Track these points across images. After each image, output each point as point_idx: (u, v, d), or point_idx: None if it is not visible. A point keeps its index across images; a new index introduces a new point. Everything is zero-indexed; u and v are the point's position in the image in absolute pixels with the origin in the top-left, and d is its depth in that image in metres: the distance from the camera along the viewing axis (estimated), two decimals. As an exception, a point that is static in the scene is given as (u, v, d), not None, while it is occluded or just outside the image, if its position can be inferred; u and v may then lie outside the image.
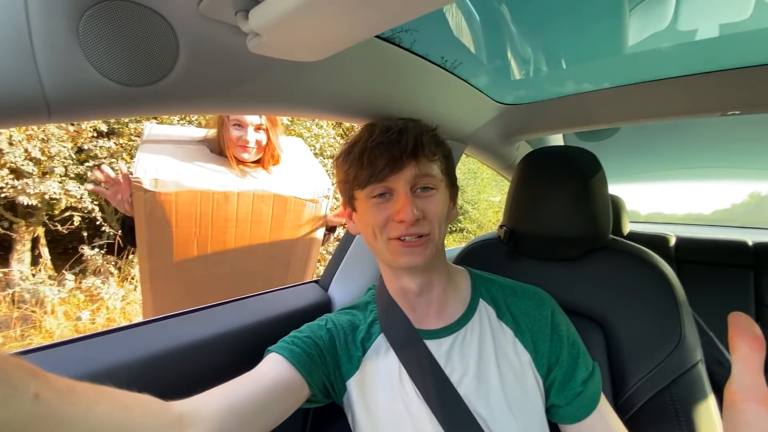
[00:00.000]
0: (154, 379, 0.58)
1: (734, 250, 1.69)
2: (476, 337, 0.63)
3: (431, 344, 0.62)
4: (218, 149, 1.19)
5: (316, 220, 1.26)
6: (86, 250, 3.14)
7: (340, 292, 0.95)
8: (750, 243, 1.68)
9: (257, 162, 1.23)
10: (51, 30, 0.35)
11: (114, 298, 3.03)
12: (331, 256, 1.03)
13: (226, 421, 0.46)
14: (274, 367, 0.56)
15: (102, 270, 3.19)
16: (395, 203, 0.58)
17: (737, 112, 0.86)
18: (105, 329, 0.63)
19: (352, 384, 0.62)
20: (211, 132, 1.22)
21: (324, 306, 0.92)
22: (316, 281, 1.01)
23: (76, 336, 0.59)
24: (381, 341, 0.65)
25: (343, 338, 0.64)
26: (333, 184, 1.26)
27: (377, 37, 0.61)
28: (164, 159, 1.08)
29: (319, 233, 1.29)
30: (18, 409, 0.27)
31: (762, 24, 0.70)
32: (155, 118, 2.64)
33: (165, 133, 1.20)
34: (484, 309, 0.66)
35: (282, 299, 0.87)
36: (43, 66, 0.36)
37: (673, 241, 1.82)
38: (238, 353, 0.70)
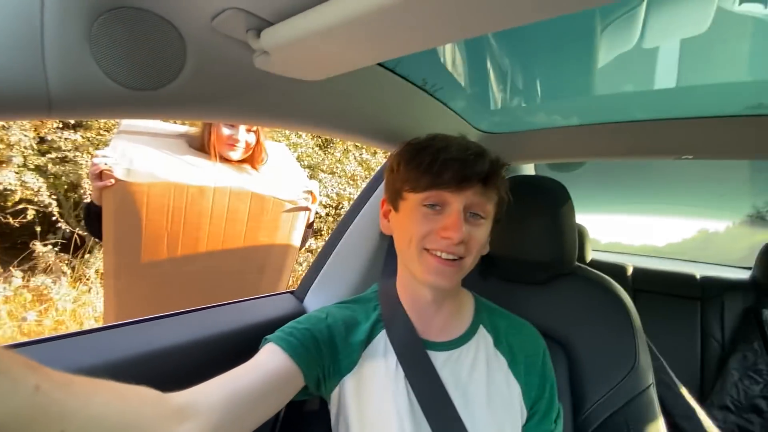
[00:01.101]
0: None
1: (684, 282, 1.82)
2: (470, 360, 0.64)
3: (429, 355, 0.64)
4: (199, 145, 1.18)
5: (294, 223, 1.24)
6: (38, 246, 2.95)
7: (317, 305, 0.95)
8: (698, 276, 1.82)
9: (243, 161, 1.23)
10: (64, 29, 0.36)
11: (65, 299, 2.85)
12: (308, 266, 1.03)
13: (225, 411, 0.46)
14: (271, 358, 0.56)
15: (54, 268, 3.00)
16: (446, 218, 0.58)
17: (690, 157, 0.94)
18: (72, 331, 0.61)
19: (348, 381, 0.62)
20: (193, 129, 1.21)
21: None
22: (291, 292, 1.01)
23: (55, 334, 0.57)
24: (382, 340, 0.65)
25: (343, 334, 0.64)
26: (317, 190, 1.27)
27: (373, 61, 0.64)
28: (139, 149, 1.05)
29: (297, 240, 1.28)
30: (20, 400, 0.27)
31: (715, 79, 0.78)
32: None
33: (143, 125, 1.17)
34: (483, 335, 0.68)
35: (255, 309, 0.86)
36: (51, 62, 0.36)
37: (630, 271, 1.94)
38: (209, 360, 0.69)
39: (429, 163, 0.58)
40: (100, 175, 0.97)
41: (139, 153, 1.03)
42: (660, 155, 0.99)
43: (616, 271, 1.92)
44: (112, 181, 0.97)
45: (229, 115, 0.54)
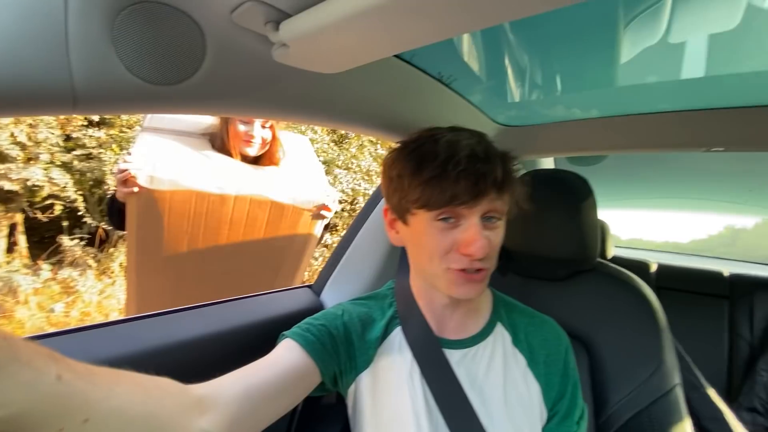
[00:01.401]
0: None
1: (711, 279, 1.75)
2: (486, 358, 0.63)
3: (445, 353, 0.63)
4: (220, 143, 1.19)
5: (311, 229, 1.26)
6: (65, 240, 3.05)
7: (333, 299, 0.95)
8: (726, 274, 1.76)
9: (259, 160, 1.24)
10: (87, 25, 0.36)
11: (90, 292, 2.95)
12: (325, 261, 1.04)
13: (243, 405, 0.46)
14: (288, 354, 0.56)
15: (80, 262, 3.11)
16: (463, 232, 0.54)
17: (720, 149, 0.91)
18: (92, 323, 0.63)
19: (364, 377, 0.63)
20: (214, 121, 1.22)
21: (315, 312, 0.92)
22: (308, 286, 1.02)
23: (78, 326, 0.59)
24: (397, 337, 0.65)
25: (360, 330, 0.64)
26: (339, 195, 1.27)
27: (391, 54, 0.63)
28: (162, 152, 1.07)
29: (313, 243, 1.29)
30: (44, 389, 0.28)
31: (745, 68, 0.75)
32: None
33: (167, 120, 1.18)
34: (501, 332, 0.66)
35: (273, 302, 0.87)
36: (75, 59, 0.37)
37: (654, 268, 1.88)
38: (228, 353, 0.70)
39: (439, 178, 0.52)
40: (125, 182, 1.00)
41: (162, 157, 1.05)
42: (687, 148, 0.95)
43: (640, 267, 1.87)
44: (137, 189, 1.00)
45: (248, 109, 0.54)
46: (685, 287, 1.77)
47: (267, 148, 1.23)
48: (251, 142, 1.18)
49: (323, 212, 1.24)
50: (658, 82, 0.84)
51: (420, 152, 0.56)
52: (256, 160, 1.24)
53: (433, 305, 0.65)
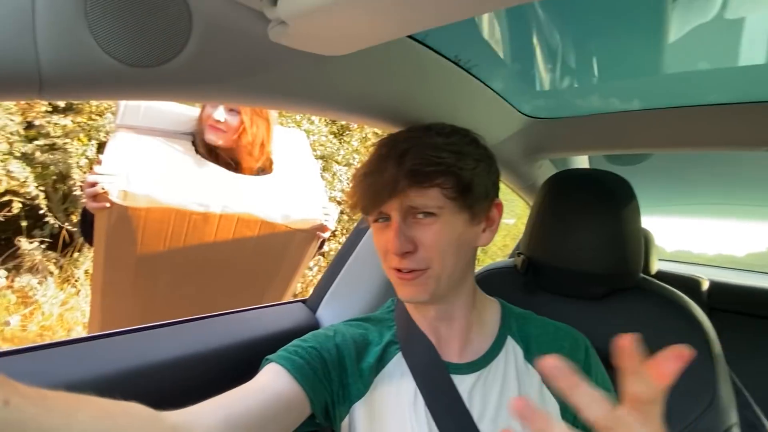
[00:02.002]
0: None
1: None
2: (499, 378, 0.64)
3: (453, 379, 0.63)
4: (198, 139, 1.19)
5: (305, 250, 1.25)
6: (23, 242, 3.08)
7: (331, 317, 0.95)
8: None
9: (233, 161, 1.22)
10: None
11: (51, 302, 2.97)
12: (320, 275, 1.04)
13: None
14: (274, 380, 0.56)
15: (40, 268, 3.13)
16: (389, 231, 0.61)
17: (785, 149, 0.90)
18: (50, 342, 0.63)
19: (359, 408, 0.63)
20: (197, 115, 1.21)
21: (310, 330, 0.92)
22: (302, 301, 1.02)
23: (34, 345, 0.59)
24: (397, 364, 0.66)
25: (354, 355, 0.65)
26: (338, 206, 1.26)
27: (405, 34, 0.63)
28: (138, 163, 1.05)
29: (305, 264, 1.29)
30: None
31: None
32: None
33: (144, 111, 1.16)
34: (512, 348, 0.67)
35: (263, 319, 0.87)
36: (42, 36, 0.37)
37: (705, 286, 1.87)
38: (211, 376, 0.71)
39: (359, 181, 0.64)
40: (95, 197, 0.99)
41: (138, 167, 1.04)
42: (744, 146, 0.94)
43: (689, 285, 1.86)
44: (107, 204, 0.99)
45: (239, 96, 0.54)
46: (743, 308, 1.75)
47: (236, 136, 1.20)
48: (217, 127, 1.16)
49: (319, 233, 1.23)
50: (710, 70, 0.84)
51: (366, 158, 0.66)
52: (234, 158, 1.22)
53: (428, 321, 0.67)
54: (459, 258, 0.62)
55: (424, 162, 0.59)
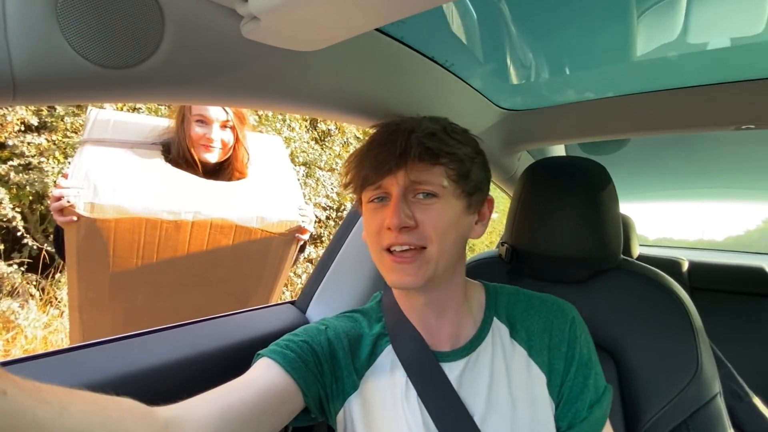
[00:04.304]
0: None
1: (751, 277, 1.78)
2: (488, 360, 0.65)
3: (443, 368, 0.64)
4: (176, 152, 1.18)
5: (284, 254, 1.24)
6: (2, 266, 3.00)
7: (320, 316, 0.95)
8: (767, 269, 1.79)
9: (223, 167, 1.23)
10: (28, 1, 0.36)
11: (34, 326, 2.89)
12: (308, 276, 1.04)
13: (217, 428, 0.47)
14: (266, 373, 0.56)
15: (21, 291, 3.06)
16: (388, 208, 0.61)
17: (752, 126, 0.93)
18: (37, 353, 0.63)
19: (353, 401, 0.63)
20: (170, 123, 1.20)
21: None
22: (291, 302, 1.02)
23: (21, 356, 0.58)
24: (388, 356, 0.66)
25: (347, 348, 0.65)
26: (310, 203, 1.26)
27: (377, 30, 0.64)
28: (106, 170, 1.04)
29: (287, 269, 1.28)
30: None
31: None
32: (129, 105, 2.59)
33: (113, 124, 1.15)
34: (497, 328, 0.68)
35: (252, 322, 0.87)
36: (14, 40, 0.37)
37: (686, 266, 1.91)
38: (200, 380, 0.69)
39: (357, 159, 0.64)
40: (61, 211, 0.97)
41: (105, 178, 1.02)
42: (715, 126, 0.98)
43: (670, 266, 1.90)
44: (75, 218, 0.98)
45: (213, 95, 0.54)
46: (723, 286, 1.80)
47: (230, 153, 1.22)
48: (210, 146, 1.17)
49: (298, 235, 1.23)
50: (680, 54, 0.86)
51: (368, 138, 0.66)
52: (218, 169, 1.22)
53: (417, 311, 0.67)
54: (455, 243, 0.63)
55: (434, 139, 0.61)
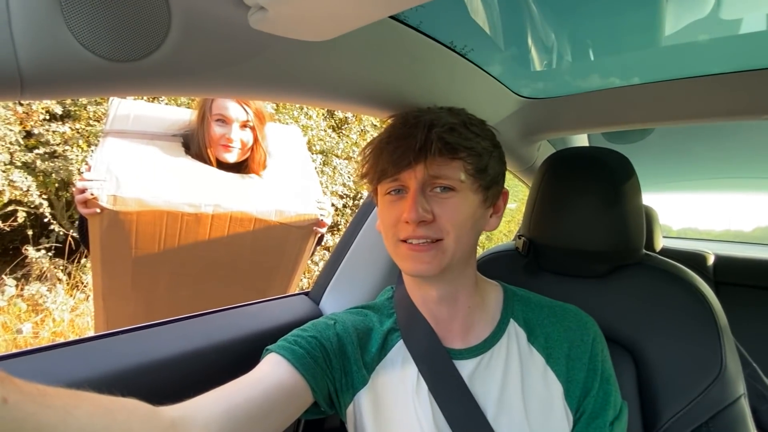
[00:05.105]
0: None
1: None
2: (502, 362, 0.64)
3: (456, 365, 0.64)
4: (196, 147, 1.19)
5: (303, 246, 1.25)
6: (31, 251, 3.10)
7: (334, 307, 0.95)
8: None
9: (240, 166, 1.23)
10: (31, -5, 0.36)
11: (61, 309, 2.99)
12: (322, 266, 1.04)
13: (224, 427, 0.47)
14: (274, 370, 0.56)
15: (49, 276, 3.16)
16: (405, 201, 0.60)
17: (786, 116, 0.88)
18: (51, 343, 0.64)
19: (363, 396, 0.63)
20: (192, 116, 1.21)
21: (314, 322, 0.93)
22: (305, 293, 1.02)
23: (35, 347, 0.60)
24: (399, 351, 0.66)
25: (355, 342, 0.65)
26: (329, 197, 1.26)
27: (390, 17, 0.62)
28: (127, 167, 1.06)
29: (305, 261, 1.29)
30: None
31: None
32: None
33: (135, 117, 1.18)
34: (514, 331, 0.67)
35: (266, 313, 0.88)
36: (20, 36, 0.36)
37: (711, 260, 1.85)
38: (215, 371, 0.71)
39: (375, 152, 0.64)
40: (85, 203, 1.00)
41: (127, 171, 1.04)
42: (745, 115, 0.93)
43: (694, 260, 1.85)
44: (98, 210, 1.00)
45: (222, 87, 0.53)
46: (750, 281, 1.74)
47: (248, 153, 1.22)
48: (230, 146, 1.17)
49: (316, 228, 1.23)
50: (711, 39, 0.82)
51: (385, 129, 0.66)
52: (237, 167, 1.23)
53: (429, 304, 0.67)
54: (470, 236, 0.63)
55: (454, 134, 0.60)
